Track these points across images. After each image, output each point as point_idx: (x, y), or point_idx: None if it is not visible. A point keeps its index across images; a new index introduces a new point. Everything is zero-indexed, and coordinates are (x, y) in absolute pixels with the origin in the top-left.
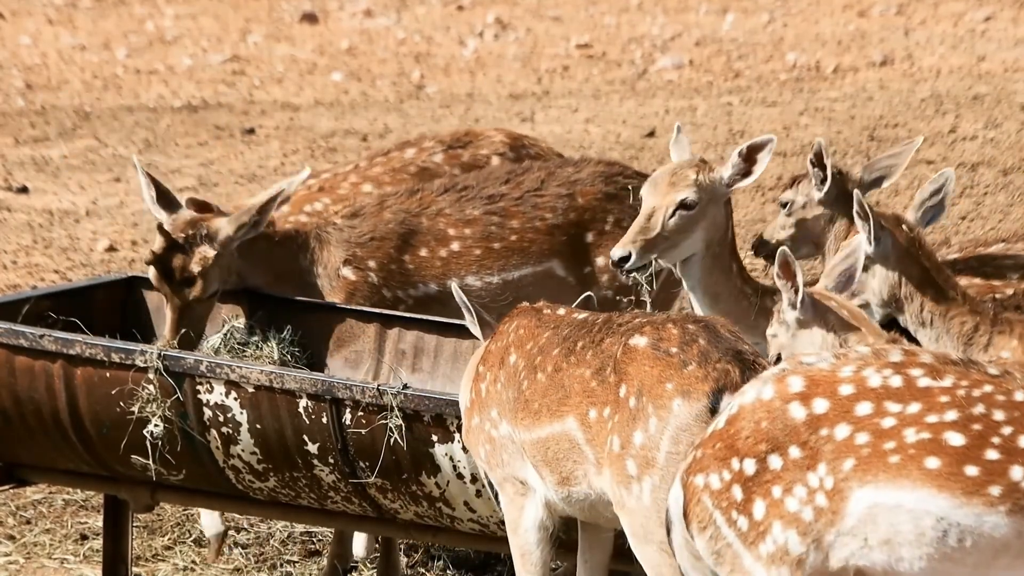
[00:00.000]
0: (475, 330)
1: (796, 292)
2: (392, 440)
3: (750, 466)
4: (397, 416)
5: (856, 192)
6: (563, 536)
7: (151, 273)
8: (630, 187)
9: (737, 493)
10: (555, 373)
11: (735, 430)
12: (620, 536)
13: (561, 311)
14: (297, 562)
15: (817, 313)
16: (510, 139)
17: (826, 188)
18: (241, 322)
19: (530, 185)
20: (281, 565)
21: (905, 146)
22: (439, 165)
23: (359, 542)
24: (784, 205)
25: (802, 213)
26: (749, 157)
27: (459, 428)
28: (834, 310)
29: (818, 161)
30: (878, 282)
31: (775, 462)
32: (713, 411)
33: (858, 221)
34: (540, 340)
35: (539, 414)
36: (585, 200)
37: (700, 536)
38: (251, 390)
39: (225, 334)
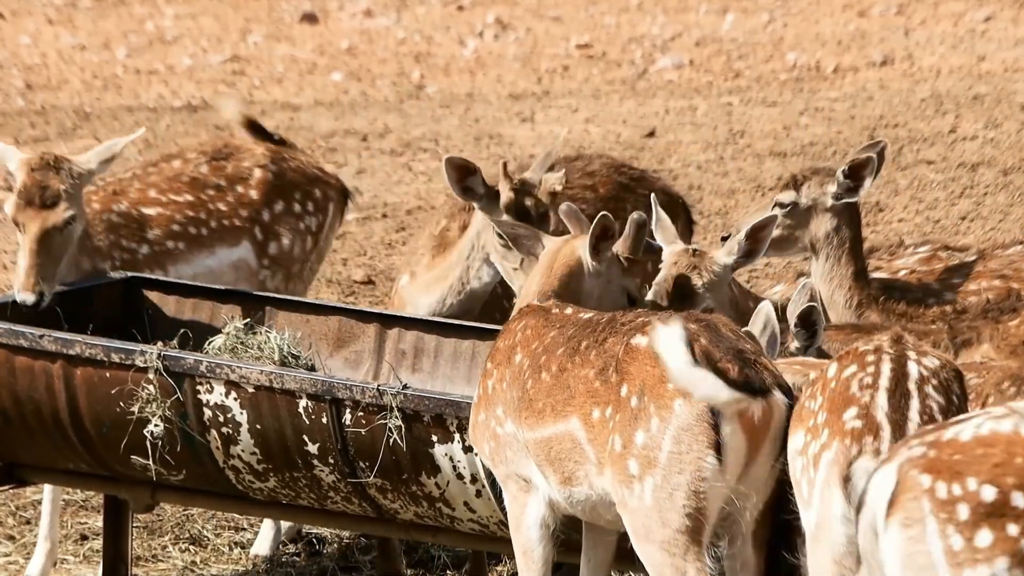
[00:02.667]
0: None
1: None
2: (392, 440)
3: (989, 493)
4: (397, 416)
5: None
6: (562, 535)
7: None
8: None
9: (963, 512)
10: (560, 373)
11: (983, 452)
12: (623, 538)
13: (569, 310)
14: (297, 562)
15: None
16: (270, 152)
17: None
18: (242, 322)
19: None
20: (281, 565)
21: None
22: (207, 175)
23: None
24: (783, 205)
25: (805, 216)
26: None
27: (459, 428)
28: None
29: (853, 173)
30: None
31: (1020, 500)
32: (714, 411)
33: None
34: (545, 340)
35: (543, 414)
36: (605, 190)
37: (900, 531)
38: (251, 390)
39: (227, 334)
